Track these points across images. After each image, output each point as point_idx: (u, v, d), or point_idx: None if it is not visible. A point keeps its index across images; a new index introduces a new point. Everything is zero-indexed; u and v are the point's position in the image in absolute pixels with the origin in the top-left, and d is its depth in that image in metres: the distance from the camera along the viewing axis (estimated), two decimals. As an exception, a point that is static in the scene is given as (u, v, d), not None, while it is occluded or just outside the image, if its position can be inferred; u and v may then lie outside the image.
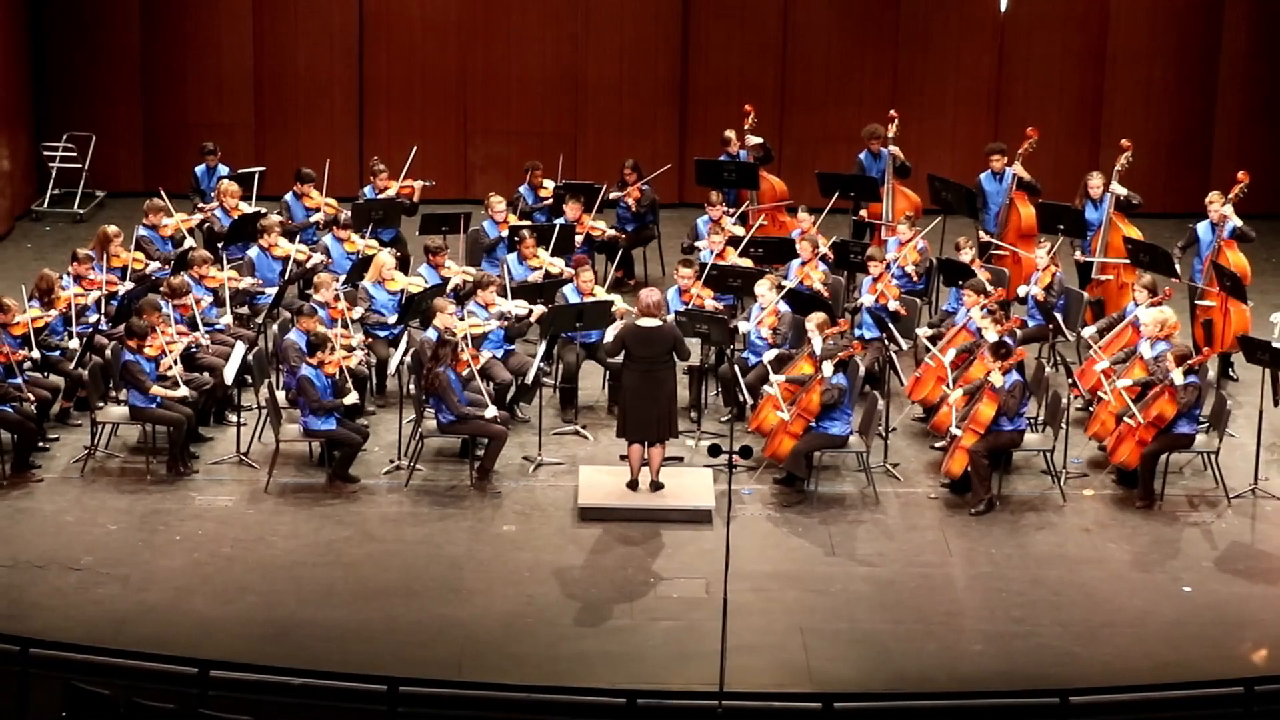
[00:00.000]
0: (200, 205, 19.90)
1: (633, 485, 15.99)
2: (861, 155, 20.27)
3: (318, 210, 19.70)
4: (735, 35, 23.10)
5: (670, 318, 16.98)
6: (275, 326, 17.69)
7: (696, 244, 19.06)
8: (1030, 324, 17.86)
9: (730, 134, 20.59)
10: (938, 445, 16.83)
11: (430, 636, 14.13)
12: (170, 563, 15.11)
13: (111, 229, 18.28)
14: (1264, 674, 13.00)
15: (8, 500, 16.00)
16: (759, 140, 20.53)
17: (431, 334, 16.61)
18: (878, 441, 16.63)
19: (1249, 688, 12.62)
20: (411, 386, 17.00)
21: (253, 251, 18.58)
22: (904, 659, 13.93)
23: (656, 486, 16.00)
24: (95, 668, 12.63)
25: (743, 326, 17.36)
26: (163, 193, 19.58)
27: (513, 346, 17.45)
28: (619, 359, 16.09)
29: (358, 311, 17.49)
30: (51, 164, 22.82)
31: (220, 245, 18.86)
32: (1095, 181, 19.02)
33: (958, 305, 17.58)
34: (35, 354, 16.62)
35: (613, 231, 19.93)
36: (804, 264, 18.06)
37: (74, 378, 17.04)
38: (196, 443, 16.80)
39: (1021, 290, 18.05)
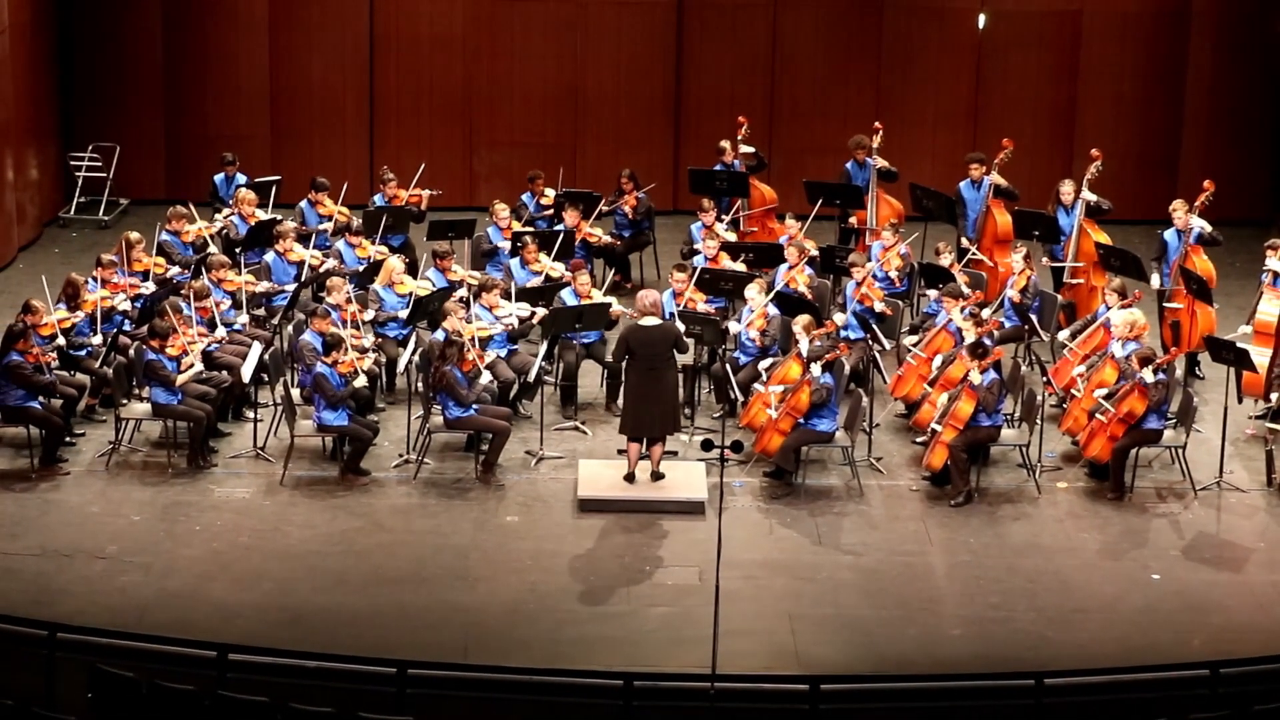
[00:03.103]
0: (219, 212, 19.88)
1: (629, 478, 15.98)
2: (848, 164, 20.26)
3: (331, 217, 19.69)
4: (726, 51, 23.08)
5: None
6: (290, 327, 17.68)
7: (696, 247, 19.03)
8: (1007, 325, 17.86)
9: (725, 144, 20.58)
10: (919, 440, 16.82)
11: (438, 621, 14.12)
12: (191, 552, 15.10)
13: (134, 235, 18.27)
14: (1229, 658, 12.98)
15: (36, 492, 15.99)
16: (751, 150, 20.53)
17: (440, 335, 16.61)
18: (862, 436, 16.62)
19: (1215, 670, 12.63)
20: (419, 384, 16.99)
21: (269, 256, 18.58)
22: (887, 643, 13.93)
23: (657, 476, 15.99)
24: (120, 651, 12.62)
25: (733, 327, 17.36)
26: (190, 203, 19.56)
27: (515, 346, 17.44)
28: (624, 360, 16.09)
29: (369, 314, 17.49)
30: (78, 173, 22.79)
31: (238, 250, 18.85)
32: (1067, 188, 19.03)
33: (938, 308, 17.58)
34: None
35: (609, 238, 19.94)
36: (791, 268, 18.05)
37: (99, 376, 17.05)
38: (215, 438, 16.79)
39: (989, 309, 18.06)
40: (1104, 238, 18.79)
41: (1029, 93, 23.06)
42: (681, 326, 16.47)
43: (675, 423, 16.02)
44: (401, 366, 17.22)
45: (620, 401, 16.46)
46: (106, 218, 22.56)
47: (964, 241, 19.39)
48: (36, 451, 16.36)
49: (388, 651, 13.07)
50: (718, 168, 20.49)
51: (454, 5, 23.03)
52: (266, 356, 16.71)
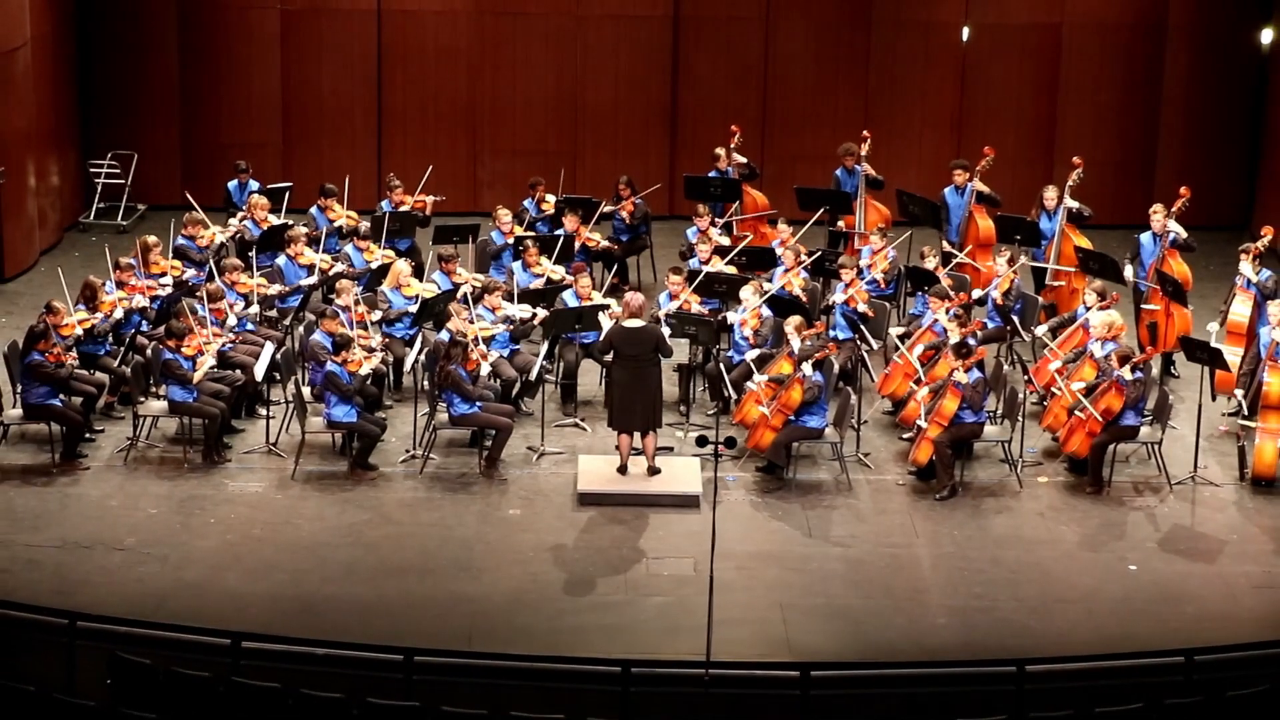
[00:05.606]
0: (233, 217, 19.88)
1: (622, 470, 16.00)
2: (837, 171, 20.27)
3: (340, 222, 19.69)
4: (720, 63, 23.09)
5: (662, 315, 17.03)
6: (301, 328, 17.68)
7: (694, 244, 19.05)
8: (989, 326, 17.87)
9: (720, 151, 20.59)
10: (905, 436, 16.83)
11: (443, 611, 14.12)
12: (206, 543, 15.10)
13: (151, 239, 18.27)
14: (1203, 645, 12.99)
15: (57, 487, 15.99)
16: (744, 160, 20.53)
17: (445, 335, 16.62)
18: (851, 433, 16.62)
19: (1189, 658, 12.65)
20: (425, 383, 17.00)
21: (280, 260, 18.57)
22: (874, 631, 13.93)
23: (654, 472, 16.00)
24: (137, 640, 12.64)
25: (732, 316, 17.38)
26: (196, 205, 19.55)
27: (518, 346, 17.44)
28: (608, 356, 16.13)
29: (376, 315, 17.49)
30: (97, 180, 22.80)
31: (251, 254, 18.84)
32: (1050, 194, 19.04)
33: (924, 309, 17.58)
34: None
35: (606, 242, 19.94)
36: (787, 271, 18.07)
37: (118, 375, 17.05)
38: (229, 434, 16.79)
39: (977, 293, 18.07)
40: (1085, 242, 18.79)
41: (1011, 102, 23.07)
42: (666, 330, 16.43)
43: (657, 418, 16.02)
44: (408, 365, 17.22)
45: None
46: (125, 222, 22.56)
47: (947, 245, 19.38)
48: (57, 447, 16.36)
49: (395, 639, 13.06)
50: (712, 174, 20.50)
51: (458, 20, 23.04)
52: (278, 356, 16.71)
